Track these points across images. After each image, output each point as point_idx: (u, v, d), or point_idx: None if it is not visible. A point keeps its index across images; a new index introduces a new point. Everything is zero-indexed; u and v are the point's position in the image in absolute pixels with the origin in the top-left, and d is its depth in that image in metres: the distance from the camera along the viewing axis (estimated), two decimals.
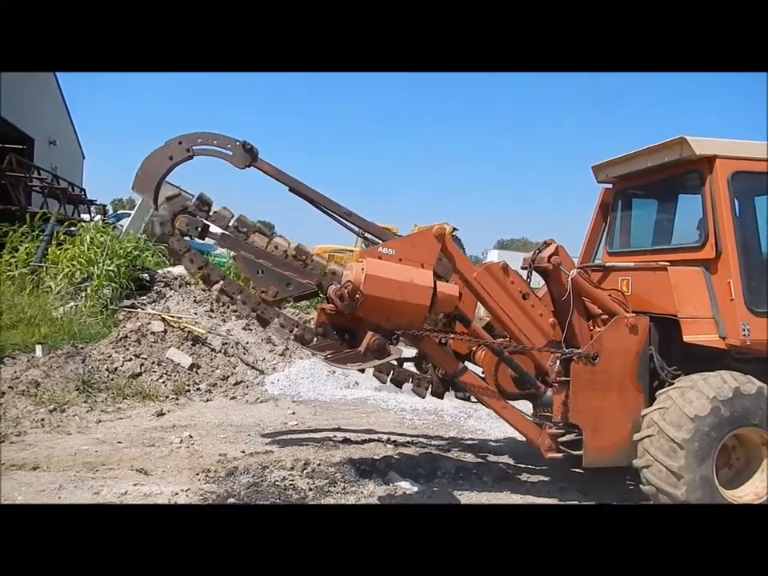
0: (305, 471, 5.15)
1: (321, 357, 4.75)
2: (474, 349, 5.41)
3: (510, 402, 5.00)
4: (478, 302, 5.12)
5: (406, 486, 5.01)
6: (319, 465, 5.31)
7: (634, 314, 4.83)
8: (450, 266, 4.86)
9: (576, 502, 5.07)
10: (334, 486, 4.91)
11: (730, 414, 4.33)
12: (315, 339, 5.36)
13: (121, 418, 6.67)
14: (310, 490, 4.80)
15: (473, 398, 5.35)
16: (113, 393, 7.31)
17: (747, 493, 4.51)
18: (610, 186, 6.14)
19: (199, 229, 4.96)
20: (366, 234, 5.70)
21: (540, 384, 4.97)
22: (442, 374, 5.58)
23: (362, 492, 4.87)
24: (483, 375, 5.15)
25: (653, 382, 4.83)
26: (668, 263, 4.89)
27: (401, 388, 6.06)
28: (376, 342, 4.20)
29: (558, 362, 4.77)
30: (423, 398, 5.89)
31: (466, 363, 5.17)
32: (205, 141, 5.01)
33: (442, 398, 5.97)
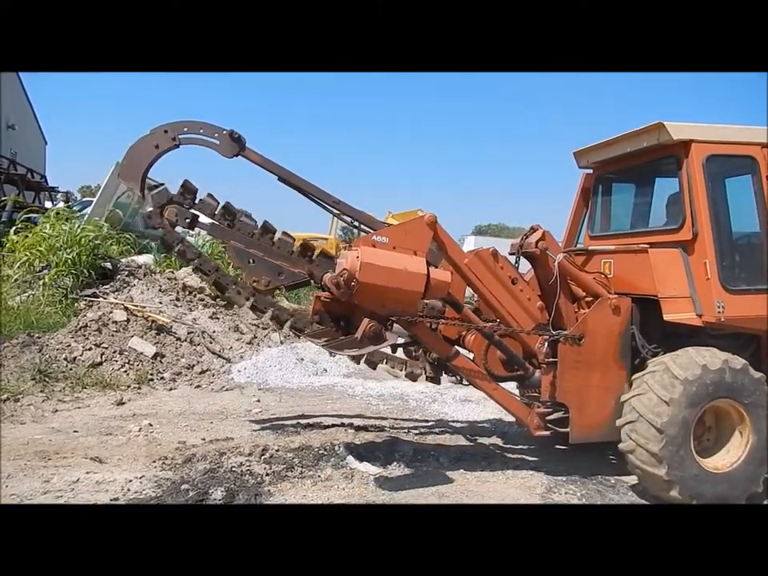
0: (262, 457, 5.14)
1: (317, 343, 4.84)
2: (463, 333, 5.54)
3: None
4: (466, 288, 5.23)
5: (363, 469, 5.03)
6: (278, 450, 5.31)
7: (616, 296, 5.01)
8: (439, 253, 4.96)
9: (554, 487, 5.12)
10: (291, 471, 4.91)
11: (732, 381, 4.56)
12: (289, 321, 5.38)
13: (79, 408, 6.57)
14: (267, 474, 4.79)
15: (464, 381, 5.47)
16: (71, 382, 7.18)
17: (708, 462, 4.67)
18: (591, 171, 6.30)
19: (188, 219, 4.90)
20: (356, 223, 5.72)
21: (528, 366, 5.14)
22: (433, 358, 5.72)
23: (319, 476, 4.87)
24: (473, 359, 5.30)
25: (634, 360, 5.03)
26: (647, 245, 5.06)
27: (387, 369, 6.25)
28: (372, 329, 4.34)
29: (546, 343, 4.94)
30: (415, 381, 6.06)
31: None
32: (191, 130, 4.93)
33: (414, 381, 6.13)
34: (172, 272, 10.98)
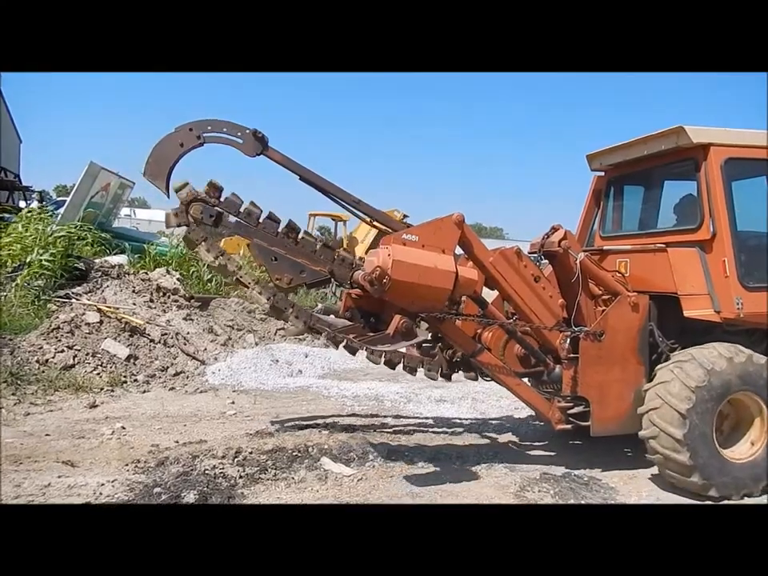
0: (236, 459, 5.14)
1: (348, 340, 4.94)
2: (479, 330, 5.68)
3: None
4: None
5: (337, 470, 5.08)
6: (251, 453, 5.31)
7: (635, 293, 5.18)
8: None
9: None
10: (265, 473, 4.93)
11: (750, 374, 4.80)
12: (290, 310, 5.37)
13: (51, 411, 6.52)
14: (240, 477, 4.81)
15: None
16: (43, 385, 7.11)
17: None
18: (602, 173, 6.50)
19: (213, 217, 4.91)
20: (375, 222, 5.81)
21: (549, 361, 5.28)
22: (450, 355, 5.85)
23: (293, 478, 4.91)
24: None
25: (651, 356, 5.25)
26: (664, 245, 5.26)
27: (414, 374, 6.21)
28: (404, 325, 4.46)
29: (568, 339, 5.12)
30: (435, 380, 6.10)
31: None
32: (215, 128, 4.94)
33: (450, 380, 6.20)
34: (146, 273, 10.90)
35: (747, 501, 4.80)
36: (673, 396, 4.68)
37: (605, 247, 6.16)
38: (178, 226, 4.99)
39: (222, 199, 4.95)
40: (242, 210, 5.00)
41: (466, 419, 7.24)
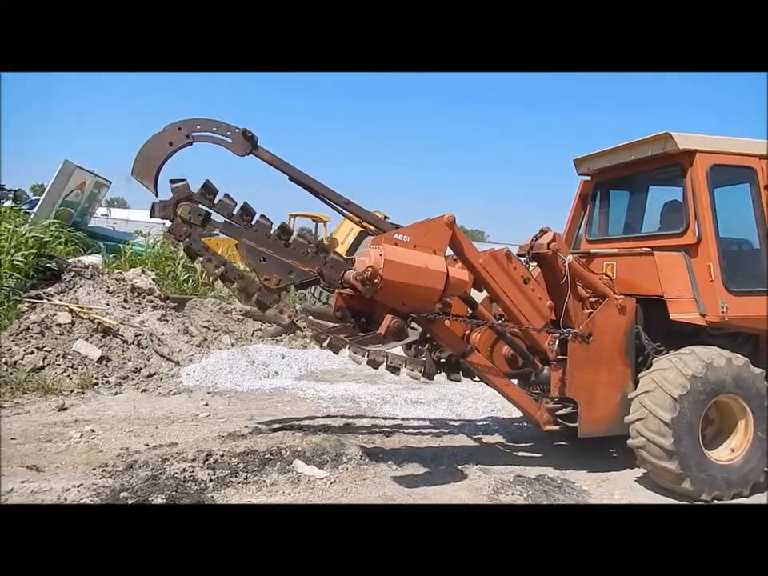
0: (206, 462, 5.05)
1: (343, 340, 4.86)
2: (467, 332, 5.68)
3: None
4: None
5: (309, 473, 5.01)
6: (222, 455, 5.22)
7: (622, 296, 5.24)
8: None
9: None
10: (236, 476, 4.85)
11: (744, 380, 4.89)
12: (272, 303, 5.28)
13: (18, 414, 6.37)
14: (211, 480, 4.72)
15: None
16: (11, 387, 6.95)
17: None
18: (589, 178, 6.54)
19: (201, 216, 4.82)
20: (365, 223, 5.73)
21: (537, 363, 5.31)
22: (438, 356, 5.84)
23: (265, 481, 4.84)
24: None
25: (638, 358, 5.31)
26: (650, 249, 5.33)
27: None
28: (396, 325, 4.53)
29: (556, 341, 5.16)
30: (418, 379, 5.88)
31: None
32: (204, 127, 4.84)
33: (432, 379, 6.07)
34: (120, 273, 10.73)
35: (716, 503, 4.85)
36: (668, 381, 4.75)
37: (592, 250, 6.23)
38: (162, 218, 4.91)
39: (215, 201, 4.89)
40: (234, 212, 4.94)
41: (442, 421, 7.23)
